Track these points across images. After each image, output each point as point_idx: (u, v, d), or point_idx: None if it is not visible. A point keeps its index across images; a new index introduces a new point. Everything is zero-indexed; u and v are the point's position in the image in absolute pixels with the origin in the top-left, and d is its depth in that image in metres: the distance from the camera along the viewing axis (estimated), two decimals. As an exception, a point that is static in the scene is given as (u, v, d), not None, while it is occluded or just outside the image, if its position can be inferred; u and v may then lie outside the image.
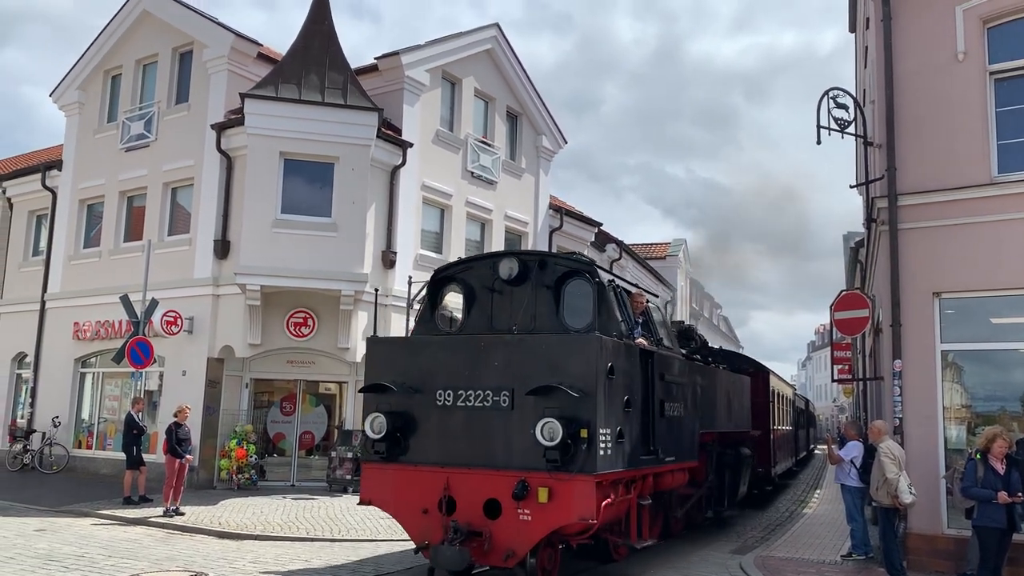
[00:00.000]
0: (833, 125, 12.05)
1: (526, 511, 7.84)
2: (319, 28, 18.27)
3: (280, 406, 18.23)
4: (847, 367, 21.52)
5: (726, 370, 14.07)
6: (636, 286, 10.70)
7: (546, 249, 22.74)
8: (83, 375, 20.67)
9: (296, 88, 17.17)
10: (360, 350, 16.23)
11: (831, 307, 13.03)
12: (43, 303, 21.46)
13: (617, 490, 8.40)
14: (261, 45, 19.22)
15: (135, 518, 13.41)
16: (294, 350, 17.49)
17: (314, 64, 17.61)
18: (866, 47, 14.94)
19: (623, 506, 8.71)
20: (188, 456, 14.34)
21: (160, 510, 13.66)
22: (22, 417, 21.80)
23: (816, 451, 42.08)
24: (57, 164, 21.97)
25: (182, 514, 13.43)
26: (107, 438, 19.82)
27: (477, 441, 8.32)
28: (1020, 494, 8.70)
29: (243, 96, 17.00)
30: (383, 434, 8.61)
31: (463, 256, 13.87)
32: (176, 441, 14.06)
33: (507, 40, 22.21)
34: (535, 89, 23.37)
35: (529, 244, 22.74)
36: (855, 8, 17.38)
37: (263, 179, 16.79)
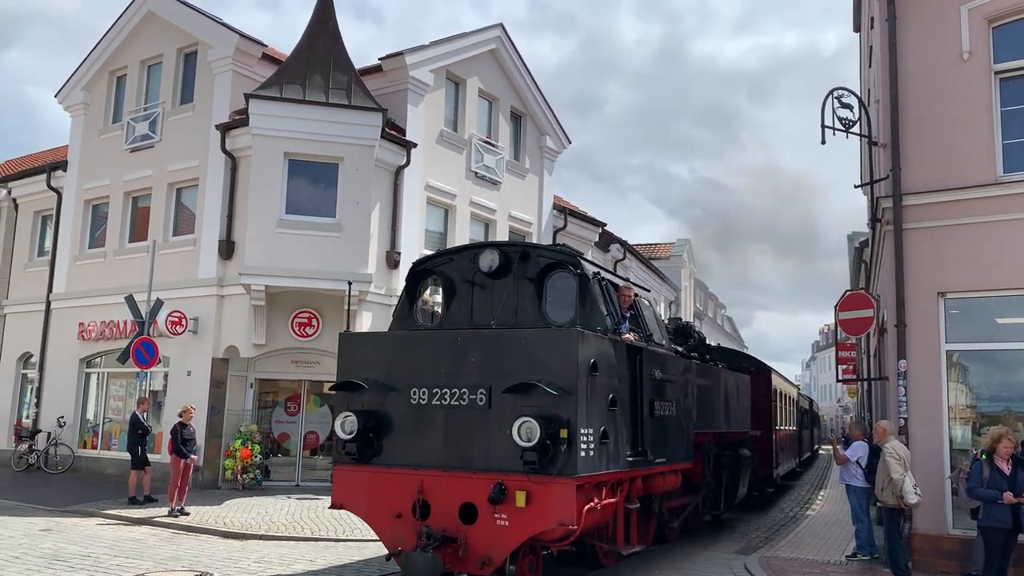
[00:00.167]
0: (838, 125, 12.05)
1: (503, 516, 7.48)
2: (323, 29, 18.29)
3: (284, 406, 18.26)
4: (852, 367, 21.52)
5: (724, 368, 13.75)
6: (624, 279, 10.33)
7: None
8: (88, 375, 20.72)
9: (300, 89, 17.20)
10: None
11: (836, 307, 13.02)
12: (48, 303, 21.50)
13: (601, 493, 8.02)
14: (265, 46, 19.25)
15: (140, 518, 13.44)
16: (298, 350, 17.51)
17: (318, 64, 17.64)
18: (870, 47, 14.91)
19: (608, 510, 8.30)
20: (193, 456, 14.37)
21: (165, 510, 13.69)
22: (27, 417, 21.86)
23: (821, 451, 42.02)
24: (62, 165, 22.02)
25: (187, 514, 13.45)
26: (112, 438, 19.86)
27: (453, 442, 7.94)
28: (1026, 494, 8.68)
29: (247, 97, 17.02)
30: (354, 435, 8.24)
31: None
32: (181, 441, 14.09)
33: (511, 40, 22.22)
34: (539, 89, 23.37)
35: (533, 244, 22.71)
36: (859, 7, 17.35)
37: (267, 179, 16.82)
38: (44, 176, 22.40)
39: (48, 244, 22.65)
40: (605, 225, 27.79)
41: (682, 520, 11.81)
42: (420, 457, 8.06)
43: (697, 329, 14.51)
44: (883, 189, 11.55)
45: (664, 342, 10.48)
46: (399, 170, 18.38)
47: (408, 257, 18.36)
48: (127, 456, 15.77)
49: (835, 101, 12.08)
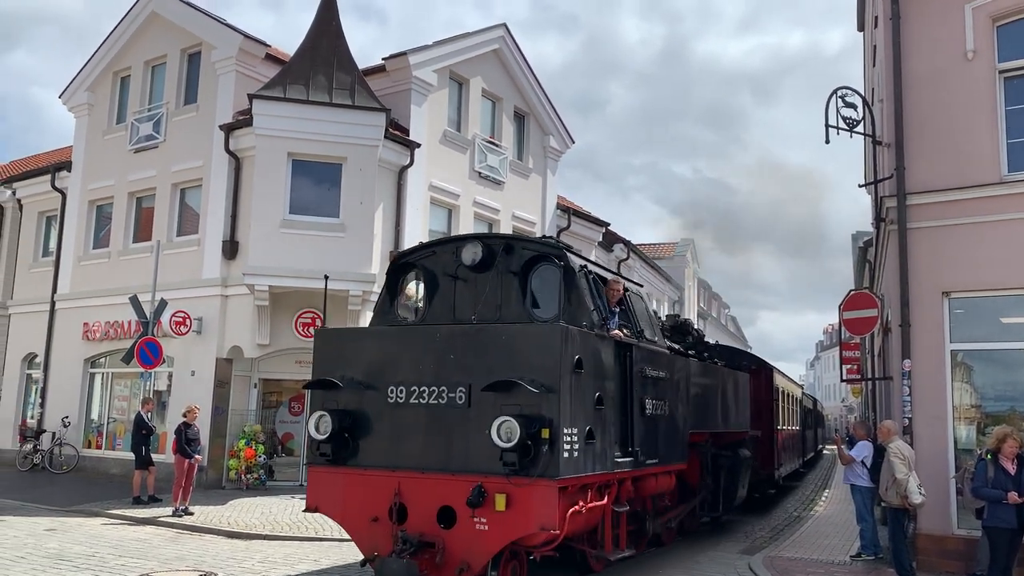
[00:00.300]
0: (842, 124, 12.03)
1: (482, 520, 7.15)
2: (327, 29, 18.30)
3: (288, 406, 18.28)
4: (856, 367, 21.48)
5: (722, 367, 13.42)
6: (614, 272, 10.04)
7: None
8: (93, 375, 20.76)
9: (304, 89, 17.21)
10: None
11: (840, 307, 12.99)
12: (53, 304, 21.55)
13: (587, 496, 7.71)
14: (269, 46, 19.28)
15: (144, 518, 13.47)
16: (302, 350, 17.51)
17: (322, 65, 17.65)
18: (874, 46, 14.89)
19: (595, 514, 8.03)
20: (197, 456, 14.40)
21: (169, 510, 13.72)
22: (32, 417, 21.91)
23: (825, 451, 41.96)
24: (66, 165, 22.06)
25: (191, 514, 13.48)
26: (116, 438, 19.89)
27: (431, 442, 7.61)
28: (1031, 494, 8.66)
29: (251, 97, 17.04)
30: (329, 435, 7.91)
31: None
32: (185, 441, 14.12)
33: (514, 40, 22.22)
34: (542, 89, 23.37)
35: (536, 244, 22.70)
36: (863, 6, 17.33)
37: (271, 180, 16.84)
38: (48, 177, 22.45)
39: (52, 245, 22.70)
40: (608, 225, 27.78)
41: (678, 523, 11.59)
42: (397, 458, 7.76)
43: (696, 327, 14.27)
44: (887, 188, 11.53)
45: (656, 338, 10.16)
46: (403, 170, 18.40)
47: (412, 257, 18.37)
48: (131, 456, 15.81)
49: (839, 100, 12.06)
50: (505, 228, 21.64)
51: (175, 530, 12.67)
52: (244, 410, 17.56)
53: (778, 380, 19.19)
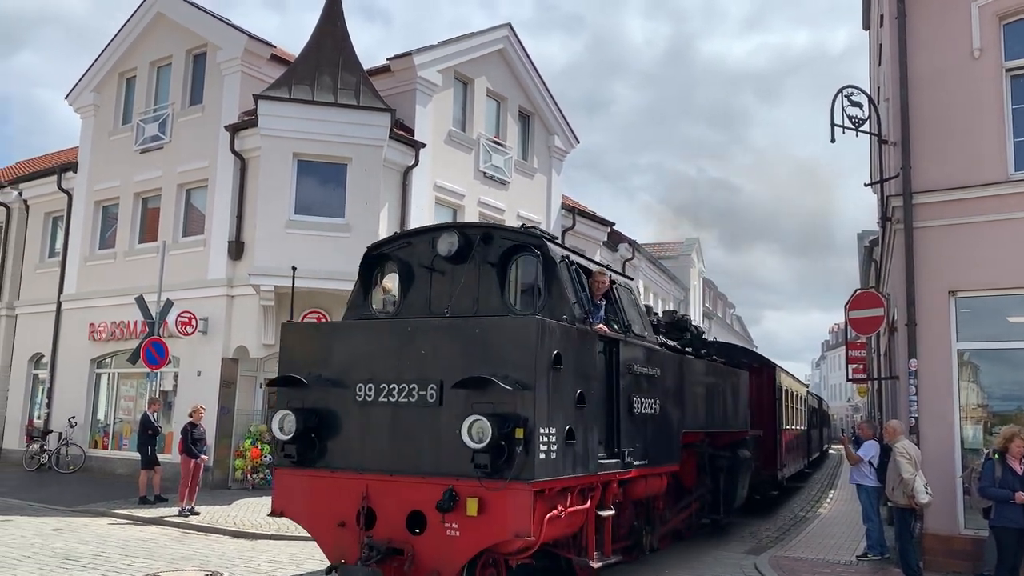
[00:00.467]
0: (847, 123, 12.01)
1: (454, 525, 6.71)
2: (332, 30, 18.32)
3: (294, 406, 18.25)
4: (862, 366, 21.41)
5: (721, 364, 13.00)
6: (600, 264, 9.60)
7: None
8: (99, 376, 20.82)
9: (309, 89, 17.23)
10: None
11: (846, 306, 12.96)
12: (59, 304, 21.62)
13: (566, 500, 7.26)
14: (274, 47, 19.30)
15: (151, 518, 13.49)
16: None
17: (327, 65, 17.67)
18: (880, 44, 14.86)
19: (577, 518, 7.58)
20: (203, 456, 14.43)
21: (175, 510, 13.74)
22: (39, 417, 21.99)
23: (831, 451, 41.87)
24: (72, 166, 22.14)
25: (197, 514, 13.50)
26: (123, 438, 19.95)
27: (401, 443, 7.19)
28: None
29: (256, 97, 17.07)
30: (293, 435, 7.48)
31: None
32: (191, 441, 14.15)
33: (519, 40, 22.20)
34: (547, 89, 23.36)
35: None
36: (869, 5, 17.29)
37: (276, 180, 16.87)
38: (54, 177, 22.54)
39: (59, 245, 22.79)
40: (614, 224, 27.77)
41: (674, 526, 11.31)
42: (365, 460, 7.31)
43: (695, 324, 13.92)
44: (893, 188, 11.50)
45: (646, 333, 9.70)
46: (407, 170, 18.40)
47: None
48: (137, 456, 15.85)
49: (845, 99, 12.05)
50: (510, 228, 21.58)
51: (181, 530, 12.69)
52: (250, 410, 17.59)
53: (781, 379, 18.72)
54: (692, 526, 12.25)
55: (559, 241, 8.71)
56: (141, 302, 16.25)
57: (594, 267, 9.04)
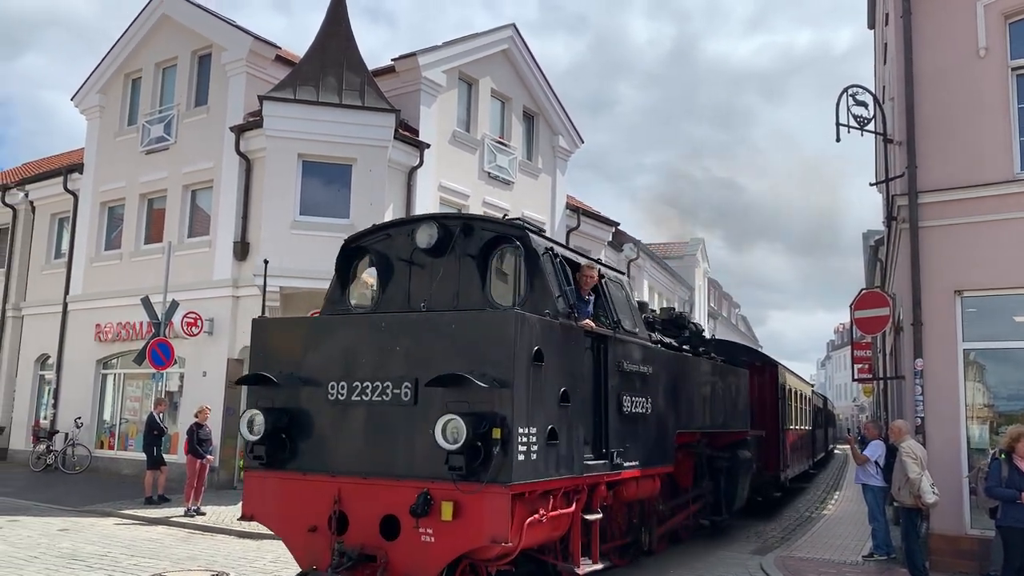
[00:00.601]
0: (853, 123, 11.99)
1: (428, 531, 6.40)
2: (336, 30, 18.35)
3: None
4: (867, 366, 21.41)
5: (719, 363, 12.64)
6: (589, 258, 9.28)
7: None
8: (105, 376, 20.88)
9: (314, 90, 17.26)
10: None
11: (851, 306, 12.94)
12: (65, 305, 21.68)
13: (548, 503, 6.94)
14: (279, 48, 19.34)
15: (157, 518, 13.53)
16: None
17: (332, 66, 17.70)
18: (885, 43, 14.83)
19: (562, 522, 7.27)
20: (209, 456, 14.46)
21: (181, 510, 13.78)
22: (45, 418, 22.06)
23: (836, 451, 41.79)
24: (78, 167, 22.19)
25: (203, 514, 13.53)
26: (128, 439, 20.00)
27: (374, 444, 6.86)
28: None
29: (261, 98, 17.11)
30: (262, 435, 7.16)
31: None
32: (197, 441, 14.19)
33: (523, 40, 22.21)
34: (551, 89, 23.36)
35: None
36: (874, 4, 17.26)
37: (281, 181, 16.90)
38: (61, 179, 22.59)
39: (65, 246, 22.84)
40: (619, 224, 27.75)
41: (670, 530, 11.06)
42: (338, 462, 6.99)
43: (693, 321, 13.69)
44: (899, 187, 11.49)
45: (638, 329, 9.29)
46: (412, 171, 18.41)
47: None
48: (143, 457, 15.89)
49: (850, 99, 12.03)
50: (515, 228, 21.59)
51: (187, 530, 12.73)
52: (255, 410, 17.57)
53: (784, 378, 18.31)
54: (690, 528, 12.04)
55: (544, 232, 8.42)
56: (147, 303, 16.28)
57: (583, 261, 8.71)
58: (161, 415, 15.82)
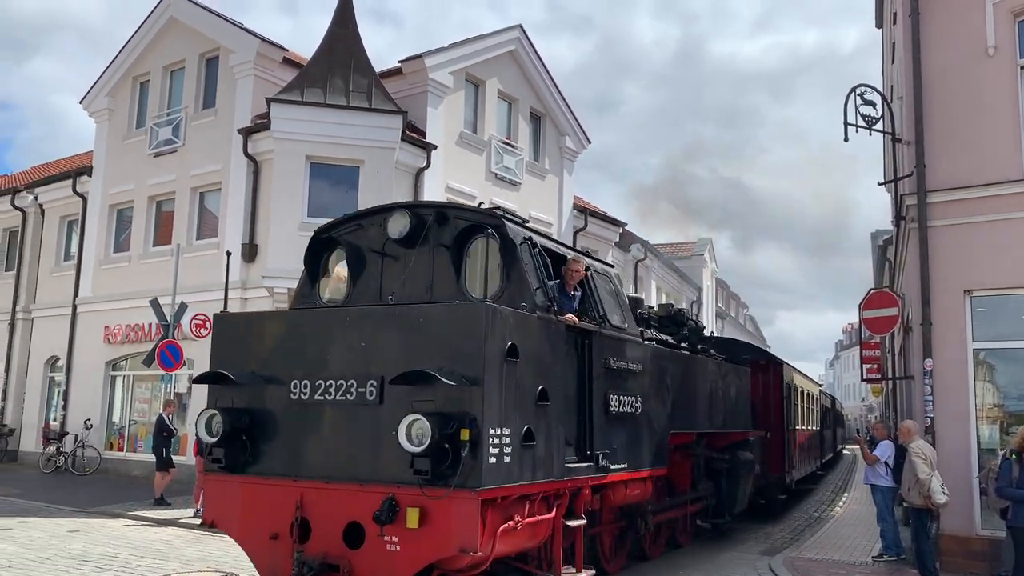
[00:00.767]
0: (861, 122, 11.95)
1: (393, 539, 6.00)
2: (343, 32, 18.39)
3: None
4: (876, 366, 21.31)
5: (719, 360, 12.21)
6: (582, 252, 8.85)
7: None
8: (114, 378, 20.97)
9: (321, 92, 17.31)
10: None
11: (860, 306, 12.90)
12: (74, 307, 21.79)
13: (524, 509, 6.52)
14: (286, 50, 19.40)
15: (166, 519, 13.56)
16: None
17: (339, 68, 17.74)
18: (893, 43, 14.78)
19: (541, 529, 6.87)
20: (218, 458, 14.46)
21: (191, 511, 13.80)
22: (55, 420, 22.17)
23: (845, 451, 41.64)
24: (87, 170, 22.31)
25: (212, 515, 13.53)
26: (138, 440, 20.08)
27: (338, 446, 6.45)
28: (1056, 494, 8.56)
29: (269, 101, 17.16)
30: (220, 437, 6.75)
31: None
32: (206, 443, 14.20)
33: (530, 41, 22.21)
34: (558, 89, 23.36)
35: (553, 245, 22.70)
36: (882, 3, 17.21)
37: (289, 183, 16.95)
38: (70, 182, 22.73)
39: (74, 249, 22.96)
40: (626, 225, 27.73)
41: (667, 534, 10.84)
42: (300, 465, 6.59)
43: (693, 318, 13.38)
44: (907, 186, 11.45)
45: (627, 325, 8.83)
46: (419, 172, 18.44)
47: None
48: (153, 458, 15.93)
49: (858, 98, 11.99)
50: (522, 229, 21.60)
51: (197, 531, 12.75)
52: (264, 412, 17.61)
53: (789, 376, 17.79)
54: (690, 532, 11.80)
55: (524, 222, 8.07)
56: (155, 305, 16.34)
57: (569, 254, 8.27)
58: (170, 416, 15.86)
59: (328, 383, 6.53)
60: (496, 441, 6.06)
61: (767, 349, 39.63)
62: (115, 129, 21.82)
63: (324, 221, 16.75)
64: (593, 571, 8.02)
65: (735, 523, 13.51)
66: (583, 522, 7.51)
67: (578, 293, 7.97)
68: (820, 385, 29.91)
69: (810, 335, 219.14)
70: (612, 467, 7.91)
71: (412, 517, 5.93)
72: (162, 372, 16.27)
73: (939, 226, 10.72)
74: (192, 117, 19.83)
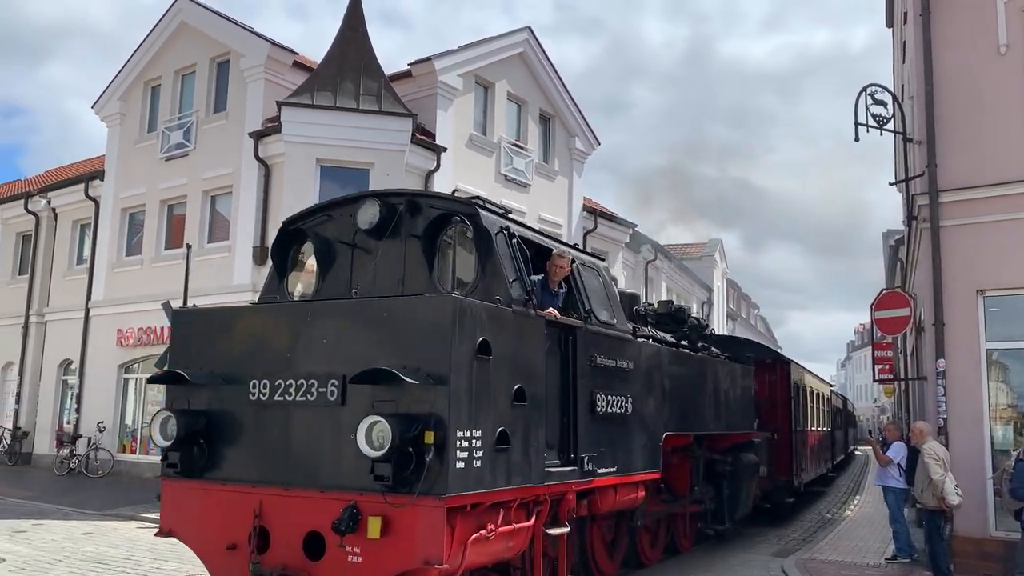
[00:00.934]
0: (871, 122, 11.90)
1: (355, 550, 5.60)
2: (353, 36, 18.47)
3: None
4: (888, 367, 21.19)
5: (719, 359, 11.76)
6: (565, 244, 8.48)
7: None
8: (126, 381, 21.07)
9: (332, 95, 17.38)
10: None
11: (871, 306, 12.85)
12: (87, 310, 21.91)
13: (498, 517, 6.10)
14: (297, 53, 19.46)
15: (179, 521, 13.60)
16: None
17: (349, 71, 17.81)
18: (904, 42, 14.72)
19: (519, 538, 6.43)
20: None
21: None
22: (68, 422, 22.28)
23: (857, 452, 41.44)
24: (99, 174, 22.44)
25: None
26: (150, 443, 20.13)
27: (299, 450, 6.06)
28: (1071, 495, 8.51)
29: (279, 104, 17.23)
30: (174, 441, 6.36)
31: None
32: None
33: (539, 43, 22.23)
34: (567, 91, 23.37)
35: (563, 246, 22.69)
36: (892, 3, 17.14)
37: (300, 186, 17.01)
38: (82, 186, 22.87)
39: (87, 252, 23.09)
40: (636, 226, 27.69)
41: (668, 539, 10.59)
42: (259, 471, 6.19)
43: (696, 315, 12.90)
44: (919, 186, 11.40)
45: (616, 321, 8.35)
46: (429, 174, 18.48)
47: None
48: (165, 460, 15.99)
49: (868, 98, 11.95)
50: (532, 231, 21.60)
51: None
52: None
53: (797, 375, 17.18)
54: (689, 537, 11.52)
55: (506, 212, 7.71)
56: (167, 307, 16.37)
57: (555, 247, 7.82)
58: (182, 419, 15.91)
59: (288, 383, 6.14)
60: (465, 444, 5.67)
61: (778, 350, 39.52)
62: (127, 133, 21.94)
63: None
64: None
65: (745, 526, 13.33)
66: (566, 530, 7.11)
67: (562, 290, 7.60)
68: (831, 385, 29.72)
69: (821, 336, 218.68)
70: (599, 471, 7.48)
71: (374, 527, 5.55)
72: (174, 375, 16.33)
73: (951, 226, 10.67)
74: (203, 121, 19.92)
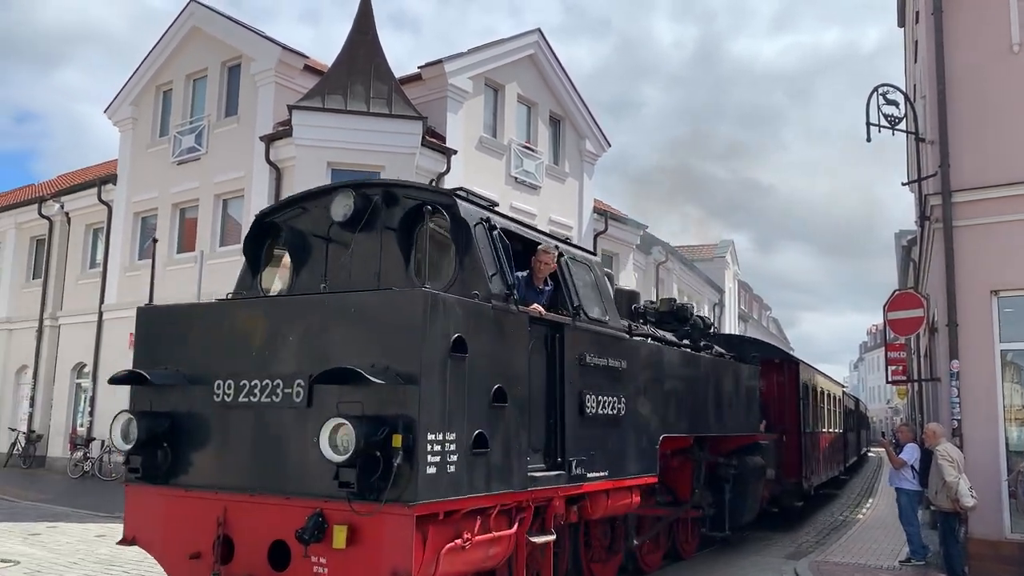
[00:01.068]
0: (883, 122, 11.85)
1: (321, 560, 5.35)
2: (364, 39, 18.52)
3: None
4: (901, 368, 21.06)
5: (722, 358, 11.47)
6: (550, 236, 8.15)
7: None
8: (140, 384, 21.13)
9: (342, 99, 17.43)
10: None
11: (884, 307, 12.79)
12: (100, 314, 22.05)
13: (476, 525, 5.80)
14: (307, 57, 19.53)
15: (192, 524, 13.65)
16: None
17: (359, 75, 17.86)
18: (916, 41, 14.65)
19: (501, 546, 6.13)
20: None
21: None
22: (82, 425, 22.41)
23: (870, 454, 41.23)
24: (112, 178, 22.58)
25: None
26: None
27: (264, 455, 5.79)
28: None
29: (290, 108, 17.29)
30: (136, 444, 6.11)
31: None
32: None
33: (548, 45, 22.21)
34: (577, 93, 23.33)
35: (574, 248, 22.66)
36: (904, 2, 17.06)
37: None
38: (95, 190, 23.02)
39: (99, 256, 23.23)
40: (647, 227, 27.65)
41: (668, 544, 10.39)
42: (224, 476, 5.93)
43: (700, 314, 12.58)
44: (931, 186, 11.33)
45: (607, 318, 7.97)
46: (439, 177, 18.48)
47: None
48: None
49: (880, 98, 11.90)
50: (542, 233, 21.60)
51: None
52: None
53: (807, 376, 16.80)
54: (692, 542, 11.28)
55: (492, 205, 7.42)
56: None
57: (541, 242, 7.44)
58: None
59: (253, 383, 5.87)
60: (437, 448, 5.36)
61: (790, 351, 39.30)
62: (139, 138, 22.06)
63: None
64: None
65: (754, 530, 13.15)
66: (551, 538, 6.77)
67: (548, 287, 7.29)
68: (844, 386, 29.53)
69: (833, 337, 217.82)
70: (589, 475, 7.12)
71: (339, 536, 5.25)
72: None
73: (964, 226, 10.60)
74: (214, 125, 20.01)
